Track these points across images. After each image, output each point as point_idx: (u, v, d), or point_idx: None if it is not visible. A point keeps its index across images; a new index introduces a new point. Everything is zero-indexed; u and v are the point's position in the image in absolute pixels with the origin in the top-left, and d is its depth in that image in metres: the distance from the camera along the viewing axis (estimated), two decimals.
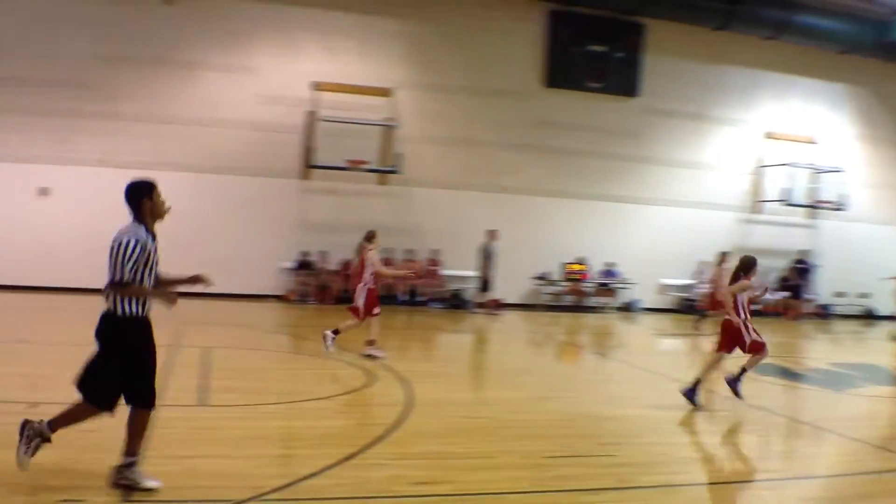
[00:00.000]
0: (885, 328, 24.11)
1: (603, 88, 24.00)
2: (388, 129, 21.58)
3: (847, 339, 22.42)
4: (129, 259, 5.75)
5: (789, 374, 14.49)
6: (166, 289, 6.06)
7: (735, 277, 10.72)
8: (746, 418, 10.51)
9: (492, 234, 21.36)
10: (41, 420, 5.85)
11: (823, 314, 25.97)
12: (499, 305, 21.71)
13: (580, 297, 23.97)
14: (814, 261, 25.92)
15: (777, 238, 25.67)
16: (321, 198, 21.60)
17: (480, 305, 21.73)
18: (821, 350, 20.31)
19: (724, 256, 20.15)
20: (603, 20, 23.67)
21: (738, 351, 10.55)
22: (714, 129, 25.41)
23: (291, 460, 7.08)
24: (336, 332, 12.76)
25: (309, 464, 6.56)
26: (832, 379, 14.27)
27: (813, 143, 26.12)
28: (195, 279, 6.26)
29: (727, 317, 10.58)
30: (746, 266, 10.76)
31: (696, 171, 25.11)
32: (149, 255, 5.88)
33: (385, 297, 21.39)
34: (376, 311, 12.94)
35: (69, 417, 5.95)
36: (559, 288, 23.81)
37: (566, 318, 22.44)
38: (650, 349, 18.65)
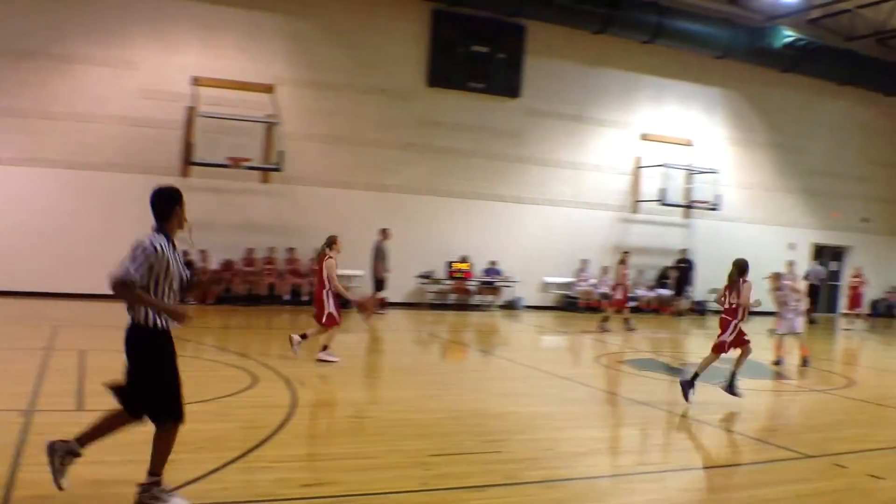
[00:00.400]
0: (759, 323, 24.98)
1: (485, 88, 24.27)
2: (270, 126, 21.32)
3: None
4: (141, 262, 5.54)
5: (668, 369, 14.89)
6: (174, 303, 5.70)
7: (734, 282, 11.17)
8: (628, 412, 10.79)
9: (384, 233, 21.32)
10: (65, 439, 5.68)
11: (699, 310, 26.78)
12: (383, 304, 21.68)
13: (464, 295, 24.15)
14: (694, 259, 26.74)
15: (654, 237, 26.43)
16: (201, 195, 21.10)
17: None
18: (698, 345, 20.88)
19: (625, 256, 20.80)
20: (485, 21, 23.90)
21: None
22: (593, 130, 25.99)
23: (174, 465, 6.88)
24: (325, 347, 12.67)
25: (193, 468, 6.45)
26: (709, 373, 14.63)
27: (689, 144, 26.97)
28: (206, 283, 6.00)
29: (724, 316, 11.18)
30: (743, 269, 11.26)
31: (576, 171, 25.65)
32: (168, 264, 5.65)
33: (268, 296, 21.20)
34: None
35: (100, 429, 5.80)
36: (443, 286, 23.94)
37: (450, 316, 22.60)
38: (534, 346, 18.93)
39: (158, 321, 5.64)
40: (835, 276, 30.87)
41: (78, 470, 5.72)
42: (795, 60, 27.35)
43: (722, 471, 8.13)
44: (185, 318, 5.75)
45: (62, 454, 5.61)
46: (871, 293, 27.63)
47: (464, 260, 23.86)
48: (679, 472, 7.98)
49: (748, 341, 11.36)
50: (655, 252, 26.49)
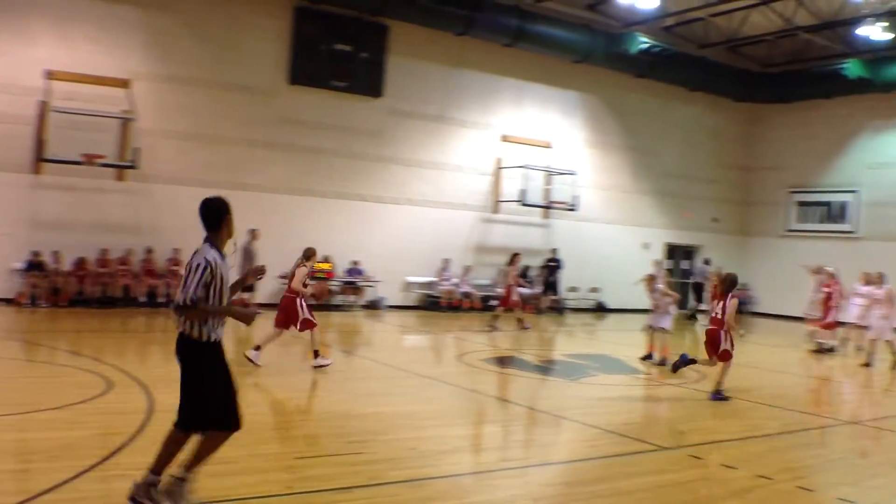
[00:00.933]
0: (615, 320, 25.88)
1: (348, 87, 24.27)
2: (125, 122, 20.79)
3: (580, 331, 23.80)
4: (199, 281, 5.80)
5: (529, 366, 15.28)
6: (236, 305, 5.93)
7: (724, 294, 12.54)
8: (490, 410, 11.08)
9: (253, 234, 21.07)
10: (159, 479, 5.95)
11: (558, 308, 27.47)
12: (246, 305, 21.45)
13: (327, 295, 24.08)
14: (562, 258, 27.60)
15: (514, 237, 26.96)
16: (54, 194, 20.51)
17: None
18: (556, 342, 21.49)
19: (515, 258, 21.36)
20: (348, 20, 23.93)
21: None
22: (455, 131, 26.34)
23: (27, 475, 6.81)
24: (316, 352, 13.29)
25: (47, 478, 6.37)
26: (568, 369, 15.19)
27: (548, 146, 27.63)
28: (253, 273, 6.51)
29: (712, 326, 12.59)
30: (734, 283, 12.59)
31: (438, 171, 25.96)
32: (221, 277, 5.93)
33: (123, 298, 20.73)
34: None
35: (203, 454, 6.04)
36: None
37: None
38: (396, 346, 19.10)
39: (211, 334, 5.94)
40: (687, 274, 32.11)
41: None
42: (650, 66, 28.38)
43: (582, 464, 8.46)
44: (252, 318, 6.23)
45: (146, 489, 5.86)
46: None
47: (326, 260, 23.77)
48: (540, 467, 8.29)
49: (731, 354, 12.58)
50: (516, 252, 27.00)
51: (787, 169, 32.59)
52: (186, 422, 6.00)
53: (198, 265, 5.83)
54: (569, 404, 11.55)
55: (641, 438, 9.50)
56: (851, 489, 8.03)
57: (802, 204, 32.45)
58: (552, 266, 27.69)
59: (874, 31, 26.25)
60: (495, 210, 27.06)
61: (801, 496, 7.74)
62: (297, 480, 7.00)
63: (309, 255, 13.75)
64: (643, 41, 27.21)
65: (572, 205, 27.00)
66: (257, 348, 12.96)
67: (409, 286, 25.47)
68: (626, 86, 29.37)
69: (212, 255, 5.91)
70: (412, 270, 25.31)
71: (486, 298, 25.53)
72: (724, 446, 9.44)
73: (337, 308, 23.98)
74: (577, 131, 28.90)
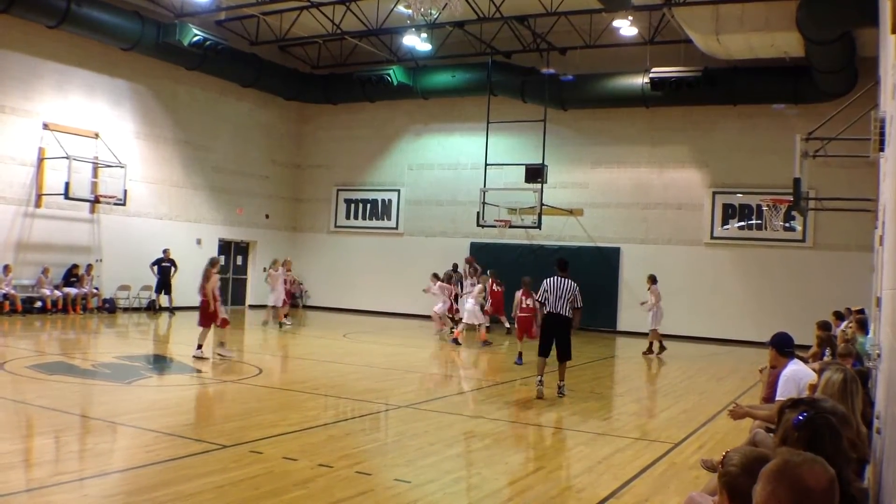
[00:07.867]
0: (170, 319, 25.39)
1: None
2: None
3: (133, 331, 23.03)
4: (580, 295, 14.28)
5: (76, 371, 14.62)
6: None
7: (529, 292, 18.49)
8: (38, 421, 10.39)
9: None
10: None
11: (109, 308, 26.34)
12: None
13: None
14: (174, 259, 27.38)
15: (59, 233, 25.44)
16: None
17: None
18: (107, 344, 20.58)
19: (214, 263, 20.61)
20: None
21: None
22: None
23: None
24: (222, 343, 17.00)
25: None
26: (120, 372, 14.67)
27: (95, 137, 26.30)
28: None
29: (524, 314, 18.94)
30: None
31: None
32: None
33: None
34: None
35: (564, 372, 14.40)
36: None
37: None
38: None
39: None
40: (243, 269, 32.45)
41: None
42: (202, 59, 28.10)
43: (142, 471, 8.17)
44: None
45: (559, 389, 14.22)
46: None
47: None
48: (98, 477, 7.89)
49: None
50: (61, 249, 25.45)
51: (335, 167, 34.11)
52: (564, 357, 14.10)
53: (577, 288, 14.00)
54: (124, 409, 11.21)
55: (201, 438, 9.50)
56: (406, 469, 8.74)
57: (349, 201, 34.05)
58: (165, 266, 27.13)
59: (416, 42, 28.28)
60: (38, 204, 25.12)
61: (360, 480, 8.13)
62: None
63: (214, 262, 17.14)
64: (196, 33, 26.79)
65: (120, 199, 25.97)
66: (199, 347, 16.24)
67: None
68: (177, 78, 28.89)
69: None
70: None
71: (29, 300, 23.83)
72: (284, 439, 9.67)
73: None
74: (127, 122, 27.72)
